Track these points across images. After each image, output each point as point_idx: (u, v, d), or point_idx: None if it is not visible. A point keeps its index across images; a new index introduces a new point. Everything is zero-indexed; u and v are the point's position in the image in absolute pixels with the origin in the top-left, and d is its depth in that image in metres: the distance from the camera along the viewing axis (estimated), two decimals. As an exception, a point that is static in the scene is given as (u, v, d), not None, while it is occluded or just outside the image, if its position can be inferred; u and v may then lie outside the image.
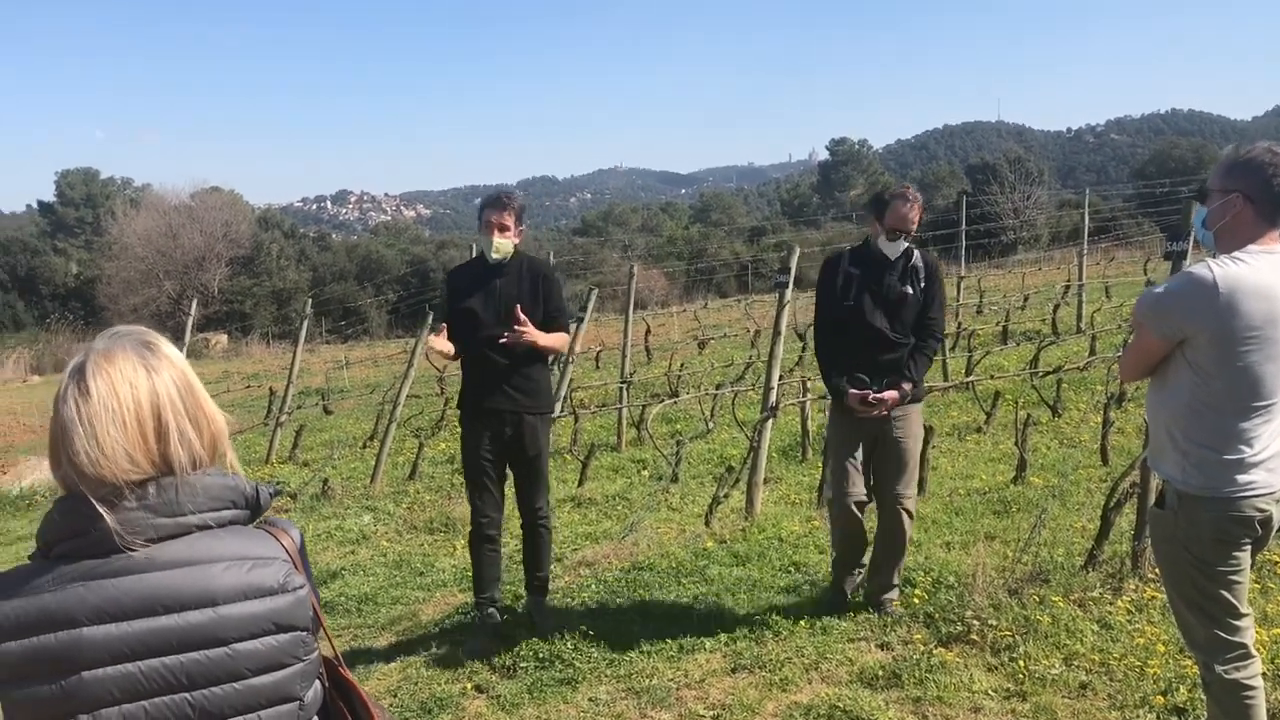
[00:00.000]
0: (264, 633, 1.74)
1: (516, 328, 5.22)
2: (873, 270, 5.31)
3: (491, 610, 5.64)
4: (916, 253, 5.38)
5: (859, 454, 5.36)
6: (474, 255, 5.61)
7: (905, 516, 5.39)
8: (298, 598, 1.78)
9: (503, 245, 5.41)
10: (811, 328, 5.99)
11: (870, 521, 5.53)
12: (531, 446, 5.49)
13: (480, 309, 5.39)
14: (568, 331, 5.74)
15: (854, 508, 5.34)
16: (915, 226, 5.29)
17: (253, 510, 1.84)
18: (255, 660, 1.74)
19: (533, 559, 5.73)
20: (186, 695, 1.71)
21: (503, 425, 5.43)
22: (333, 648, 1.98)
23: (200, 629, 1.71)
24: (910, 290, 5.28)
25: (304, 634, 1.80)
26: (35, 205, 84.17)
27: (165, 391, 1.75)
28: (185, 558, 1.72)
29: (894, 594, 5.53)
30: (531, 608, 5.76)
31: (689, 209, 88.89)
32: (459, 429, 5.78)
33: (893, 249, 5.29)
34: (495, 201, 5.49)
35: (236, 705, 1.75)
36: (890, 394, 5.22)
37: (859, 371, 5.25)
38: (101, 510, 1.68)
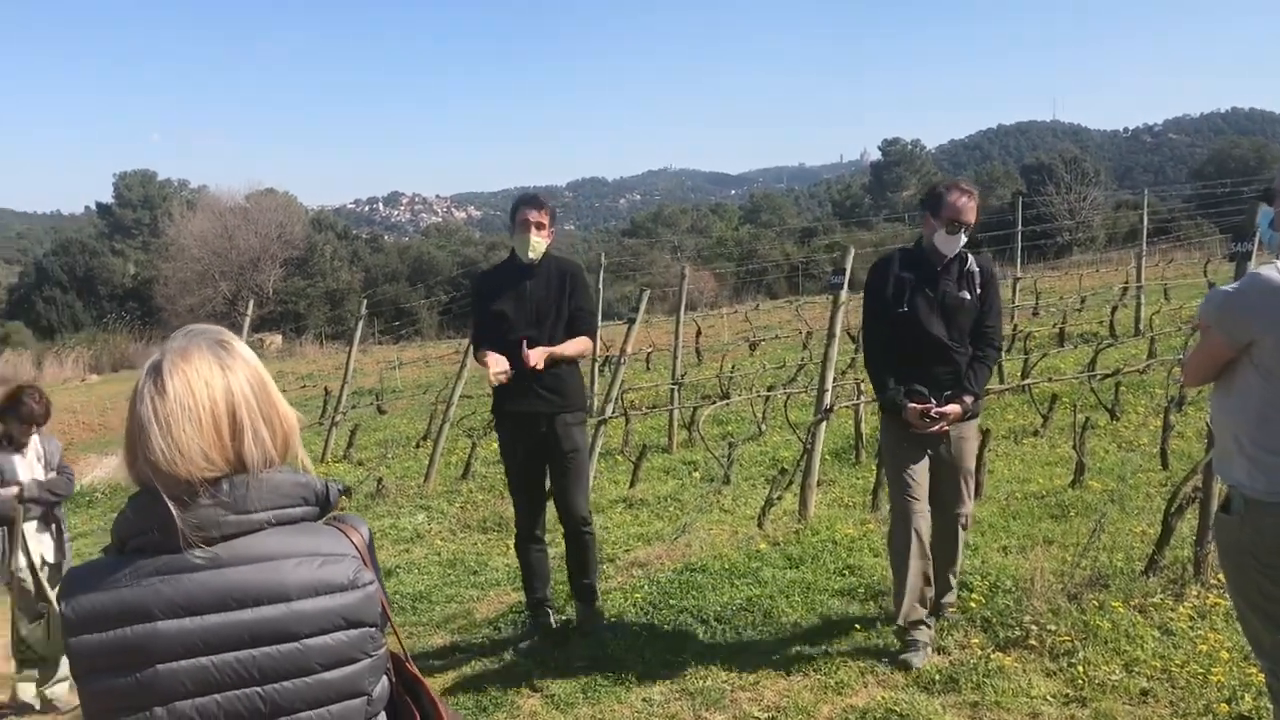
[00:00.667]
0: (334, 628, 1.76)
1: (527, 355, 5.20)
2: (927, 274, 4.94)
3: (545, 610, 5.64)
4: (971, 257, 5.02)
5: (919, 473, 4.95)
6: (503, 260, 5.60)
7: (962, 529, 5.22)
8: (367, 594, 1.80)
9: (538, 244, 5.39)
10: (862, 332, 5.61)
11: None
12: (566, 442, 5.45)
13: (511, 312, 5.37)
14: (592, 334, 5.68)
15: (918, 535, 4.94)
16: (974, 219, 4.93)
17: (322, 507, 1.86)
18: (325, 655, 1.76)
19: (578, 566, 5.66)
20: (258, 689, 1.74)
21: (536, 427, 5.41)
22: (400, 644, 1.99)
23: (272, 624, 1.73)
24: (967, 295, 4.92)
25: (373, 630, 1.81)
26: (94, 207, 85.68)
27: (240, 390, 1.77)
28: (258, 554, 1.74)
29: (951, 597, 5.34)
30: (581, 616, 5.70)
31: (739, 210, 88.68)
32: (494, 429, 5.79)
33: (950, 244, 4.91)
34: (532, 200, 5.48)
35: (306, 699, 1.76)
36: (953, 408, 4.83)
37: (916, 383, 4.86)
38: (173, 508, 1.70)
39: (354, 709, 1.82)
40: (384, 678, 1.89)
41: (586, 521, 5.62)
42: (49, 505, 5.90)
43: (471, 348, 5.72)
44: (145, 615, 1.70)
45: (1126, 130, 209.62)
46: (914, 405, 4.81)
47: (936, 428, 4.83)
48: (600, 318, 10.61)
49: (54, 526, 5.98)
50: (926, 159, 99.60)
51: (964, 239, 4.94)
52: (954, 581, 5.38)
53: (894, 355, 4.96)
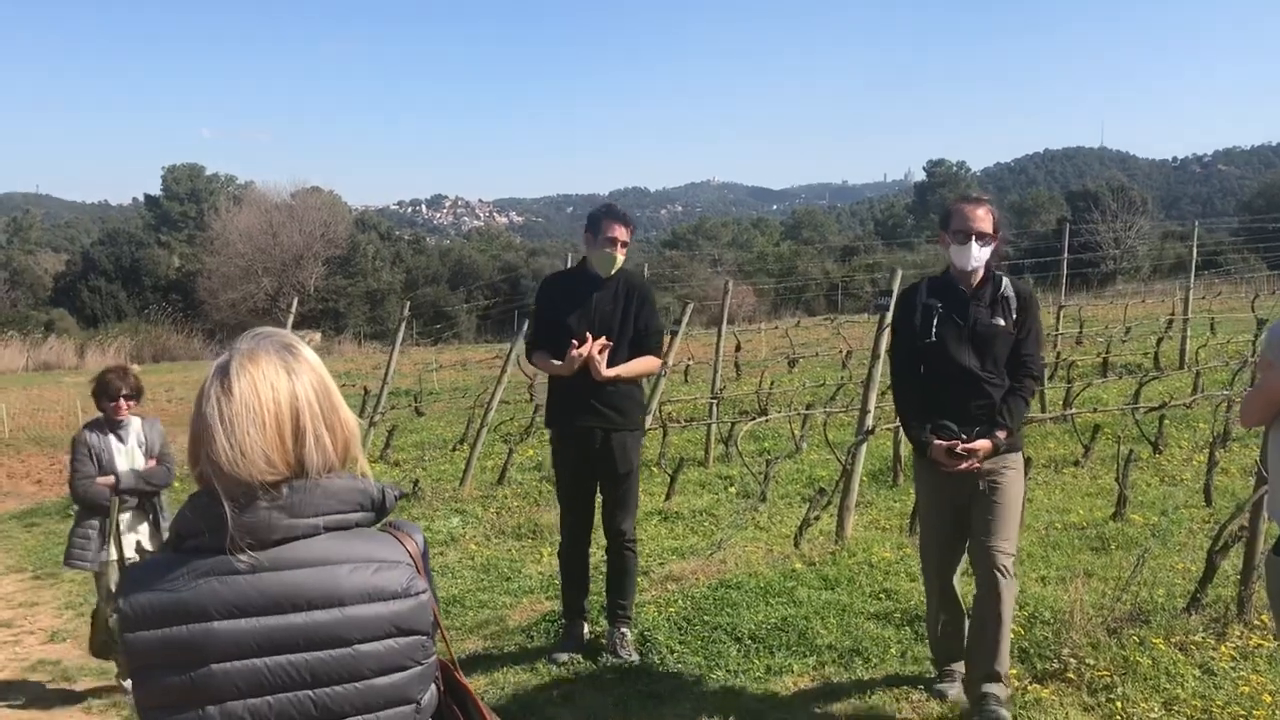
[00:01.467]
0: (386, 635, 1.77)
1: (599, 364, 5.17)
2: (956, 300, 4.55)
3: (580, 622, 5.62)
4: (1006, 280, 4.60)
5: (951, 515, 4.62)
6: (569, 265, 5.52)
7: (1003, 579, 4.45)
8: (420, 602, 1.80)
9: (620, 260, 5.35)
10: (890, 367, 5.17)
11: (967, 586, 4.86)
12: (622, 464, 5.40)
13: (575, 324, 5.28)
14: (659, 353, 5.61)
15: (951, 584, 4.74)
16: (989, 229, 4.49)
17: (378, 513, 1.87)
18: (376, 661, 1.77)
19: (617, 585, 5.60)
20: (309, 692, 1.75)
21: (592, 442, 5.35)
22: (449, 652, 2.00)
23: (325, 628, 1.74)
24: (1001, 322, 4.50)
25: (424, 638, 1.82)
26: (141, 199, 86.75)
27: (304, 394, 1.79)
28: (314, 558, 1.76)
29: (998, 687, 4.51)
30: (613, 640, 5.53)
31: (780, 225, 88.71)
32: (545, 435, 5.77)
33: (964, 256, 4.49)
34: (619, 215, 5.41)
35: (356, 704, 1.77)
36: (982, 443, 4.41)
37: (945, 419, 4.46)
38: (229, 509, 1.71)
39: (402, 715, 1.82)
40: (432, 686, 1.90)
41: (632, 540, 5.59)
42: (146, 495, 5.83)
43: (525, 349, 5.63)
44: (201, 615, 1.71)
45: (1175, 159, 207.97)
46: (939, 442, 4.44)
47: (965, 465, 4.41)
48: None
49: (151, 515, 5.88)
50: (971, 181, 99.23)
51: (980, 251, 4.50)
52: (1002, 664, 4.55)
53: (923, 389, 4.60)
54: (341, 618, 1.74)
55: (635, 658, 5.42)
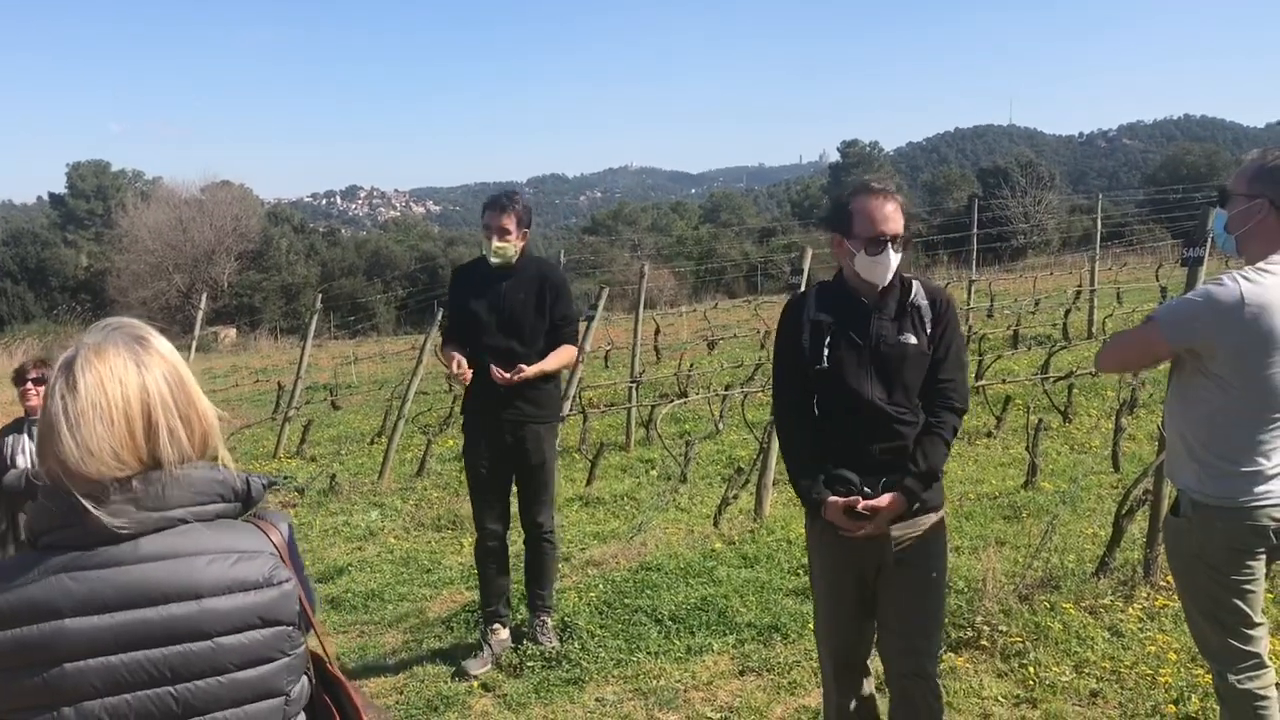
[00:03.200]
0: (248, 627, 1.74)
1: (505, 375, 5.03)
2: (853, 314, 3.52)
3: (496, 626, 5.44)
4: (917, 285, 3.56)
5: (854, 593, 3.60)
6: (480, 256, 5.35)
7: (926, 694, 3.60)
8: (283, 592, 1.78)
9: (503, 250, 5.13)
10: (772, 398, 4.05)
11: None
12: (535, 455, 5.28)
13: (484, 313, 5.16)
14: (575, 342, 5.46)
15: (854, 680, 3.78)
16: (900, 229, 3.47)
17: (244, 503, 1.84)
18: (239, 654, 1.74)
19: (535, 575, 5.51)
20: (170, 689, 1.71)
21: (503, 433, 5.22)
22: (322, 644, 1.95)
23: (183, 622, 1.70)
24: (912, 339, 3.48)
25: (289, 629, 1.79)
26: (46, 197, 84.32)
27: (156, 388, 1.74)
28: (169, 550, 1.72)
29: None
30: (534, 628, 5.46)
31: (699, 209, 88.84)
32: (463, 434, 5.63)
33: (877, 269, 3.45)
34: (495, 203, 5.20)
35: (221, 699, 1.74)
36: (889, 499, 3.40)
37: (841, 467, 3.45)
38: (86, 505, 1.68)
39: (271, 709, 1.80)
40: (303, 678, 1.87)
41: (550, 531, 5.48)
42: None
43: (440, 341, 5.47)
44: (53, 613, 1.67)
45: (1081, 135, 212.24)
46: (835, 500, 3.41)
47: (869, 528, 3.41)
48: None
49: None
50: (884, 161, 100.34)
51: (896, 256, 3.48)
52: None
53: (813, 430, 3.56)
54: (199, 610, 1.71)
55: (557, 644, 5.37)
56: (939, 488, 3.60)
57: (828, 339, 3.51)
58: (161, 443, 1.73)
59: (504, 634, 5.44)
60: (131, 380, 1.73)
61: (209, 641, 1.72)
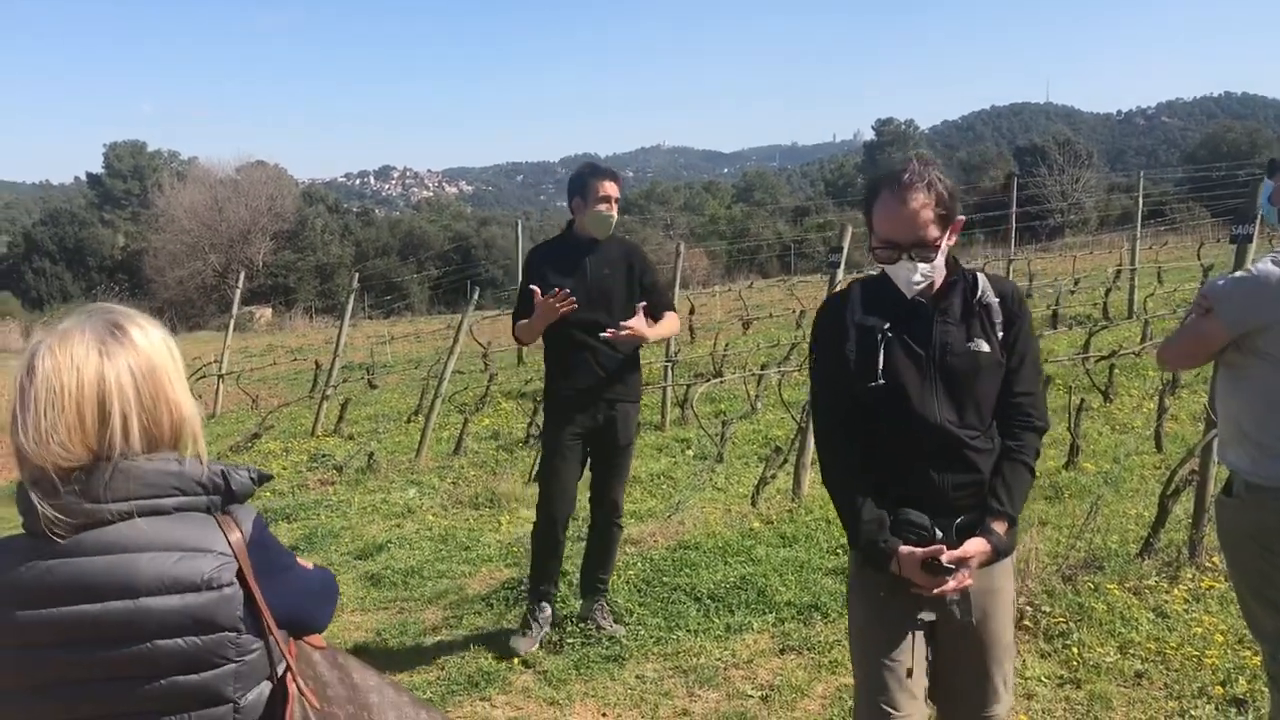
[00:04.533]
0: (183, 630, 1.67)
1: (622, 328, 4.86)
2: (909, 316, 2.87)
3: (544, 604, 5.33)
4: (983, 279, 2.93)
5: (910, 655, 2.85)
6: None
7: None
8: (223, 595, 1.70)
9: (612, 218, 5.03)
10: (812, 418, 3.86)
11: None
12: (624, 435, 5.14)
13: (570, 288, 4.90)
14: (674, 309, 5.31)
15: None
16: (936, 232, 2.77)
17: (225, 496, 1.78)
18: (176, 658, 1.68)
19: (600, 560, 5.36)
20: (110, 687, 1.68)
21: (595, 413, 5.06)
22: (286, 655, 1.83)
23: (119, 620, 1.66)
24: (985, 346, 2.84)
25: (231, 634, 1.71)
26: (84, 177, 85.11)
27: (115, 377, 1.70)
28: (114, 544, 1.67)
29: None
30: (594, 612, 5.34)
31: (732, 188, 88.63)
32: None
33: (903, 277, 2.82)
34: (606, 172, 5.08)
35: (159, 702, 1.70)
36: (976, 548, 2.78)
37: (906, 504, 2.82)
38: (33, 494, 1.66)
39: (218, 716, 1.73)
40: (263, 685, 1.78)
41: (620, 514, 5.36)
42: None
43: (513, 324, 5.25)
44: (7, 600, 1.66)
45: (1119, 113, 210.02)
46: (910, 550, 2.76)
47: (952, 584, 2.75)
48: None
49: None
50: (920, 139, 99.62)
51: (928, 265, 2.80)
52: None
53: (868, 459, 2.88)
54: (135, 609, 1.65)
55: (621, 629, 5.28)
56: (1015, 530, 2.97)
57: (883, 349, 2.83)
58: (113, 433, 1.69)
59: (549, 612, 5.37)
60: (90, 368, 1.68)
61: (145, 643, 1.66)
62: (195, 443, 1.79)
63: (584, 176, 5.08)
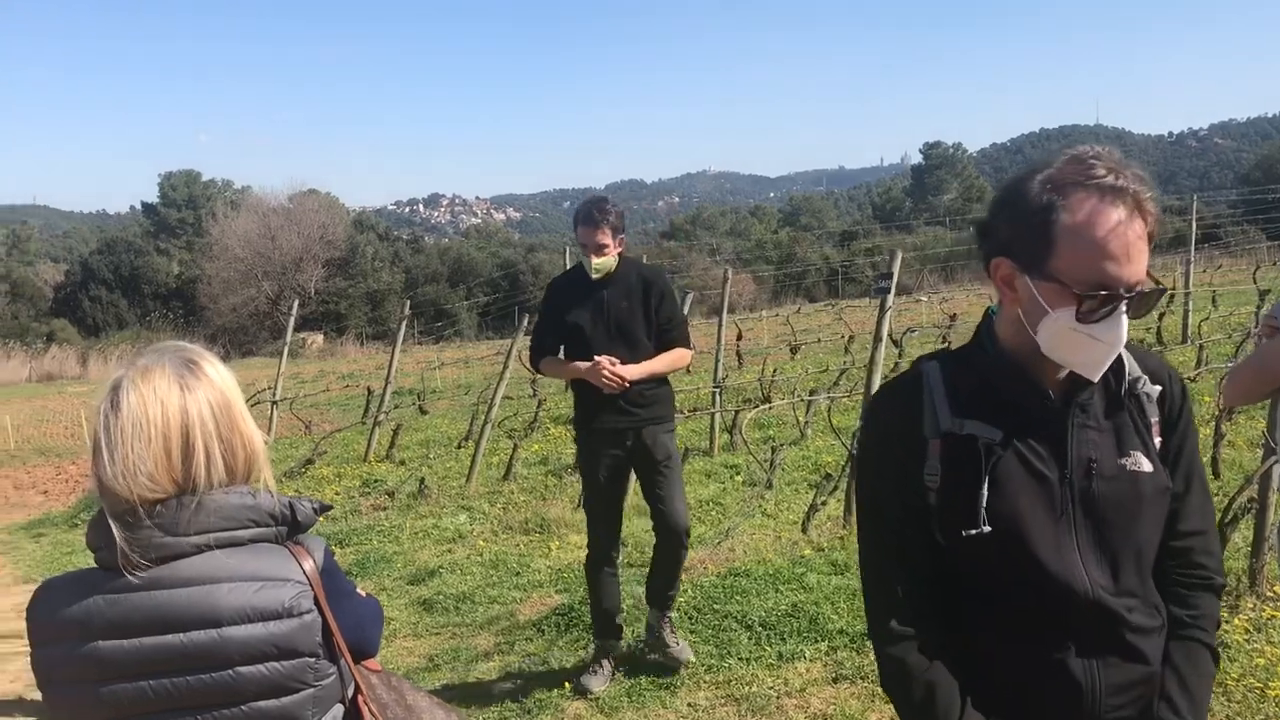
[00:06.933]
0: (266, 657, 1.73)
1: (610, 373, 4.84)
2: (1028, 417, 1.80)
3: (614, 644, 5.25)
4: (1129, 359, 1.86)
5: None
6: (566, 261, 5.21)
7: None
8: (303, 623, 1.75)
9: (602, 264, 4.96)
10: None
11: None
12: (659, 450, 5.08)
13: (587, 324, 4.96)
14: (687, 344, 5.26)
15: None
16: (1147, 274, 1.75)
17: (291, 528, 1.83)
18: (259, 684, 1.73)
19: (665, 576, 5.23)
20: (193, 716, 1.73)
21: (623, 440, 5.05)
22: (357, 678, 1.90)
23: (203, 649, 1.71)
24: (1146, 464, 1.80)
25: (311, 660, 1.77)
26: (139, 206, 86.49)
27: (197, 411, 1.76)
28: (195, 576, 1.72)
29: None
30: (661, 629, 5.23)
31: (778, 212, 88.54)
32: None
33: (1083, 349, 1.72)
34: (588, 218, 4.96)
35: None
36: None
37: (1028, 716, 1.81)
38: (115, 527, 1.70)
39: None
40: (337, 708, 1.85)
41: (687, 534, 5.21)
42: None
43: (530, 355, 5.28)
44: (86, 634, 1.70)
45: (1171, 134, 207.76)
46: None
47: None
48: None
49: None
50: (968, 162, 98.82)
51: (1125, 324, 1.72)
52: None
53: (958, 648, 1.83)
54: (219, 639, 1.71)
55: (689, 654, 5.23)
56: None
57: (987, 472, 1.77)
58: (197, 466, 1.74)
59: (616, 652, 5.28)
60: (174, 402, 1.74)
61: (229, 670, 1.71)
62: (264, 475, 1.85)
63: (576, 221, 5.05)
